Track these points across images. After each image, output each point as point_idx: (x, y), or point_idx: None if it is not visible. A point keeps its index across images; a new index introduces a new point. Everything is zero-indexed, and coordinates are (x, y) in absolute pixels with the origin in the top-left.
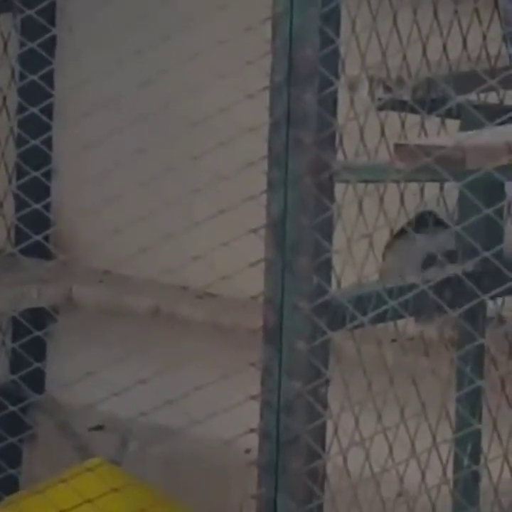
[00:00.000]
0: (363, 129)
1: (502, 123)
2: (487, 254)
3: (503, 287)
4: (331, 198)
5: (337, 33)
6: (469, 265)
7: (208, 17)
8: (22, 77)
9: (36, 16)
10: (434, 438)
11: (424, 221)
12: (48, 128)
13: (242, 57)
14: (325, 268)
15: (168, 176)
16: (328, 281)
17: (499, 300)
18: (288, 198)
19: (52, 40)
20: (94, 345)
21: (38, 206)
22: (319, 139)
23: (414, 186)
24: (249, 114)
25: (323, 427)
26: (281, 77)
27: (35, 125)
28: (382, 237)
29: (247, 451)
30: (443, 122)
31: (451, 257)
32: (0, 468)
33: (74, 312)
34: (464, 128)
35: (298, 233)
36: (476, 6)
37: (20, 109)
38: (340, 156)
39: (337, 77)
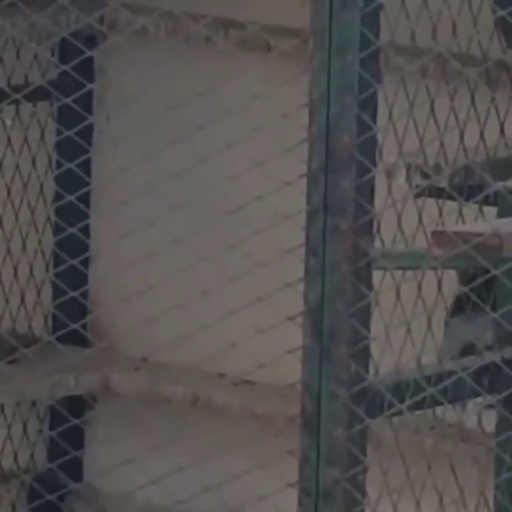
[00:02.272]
0: (401, 216)
1: None
2: None
3: None
4: (369, 285)
5: (374, 120)
6: (507, 352)
7: (243, 105)
8: (59, 165)
9: (73, 104)
10: None
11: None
12: (85, 216)
13: (278, 145)
14: (363, 355)
15: (205, 264)
16: (366, 368)
17: None
18: (325, 286)
19: (90, 128)
20: (132, 432)
21: (75, 294)
22: (356, 226)
23: (452, 273)
24: (286, 201)
25: None
26: (318, 164)
27: (73, 213)
28: (420, 323)
29: None
30: (480, 209)
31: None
32: None
33: (111, 400)
34: (501, 215)
35: (335, 320)
36: None
37: (58, 197)
38: (377, 243)
39: (374, 164)
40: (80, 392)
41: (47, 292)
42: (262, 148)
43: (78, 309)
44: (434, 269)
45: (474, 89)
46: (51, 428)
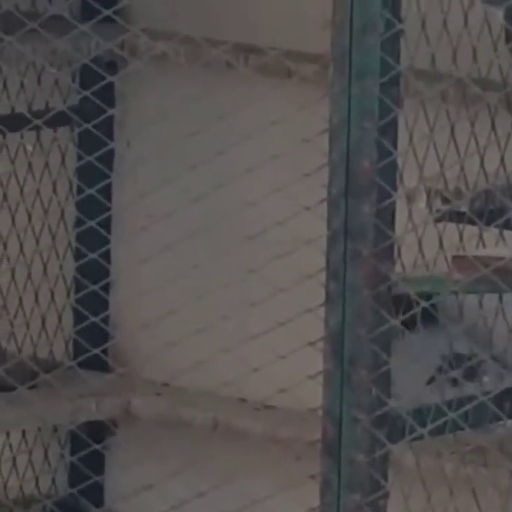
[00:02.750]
0: (421, 241)
1: None
2: None
3: None
4: (390, 309)
5: (394, 145)
6: None
7: (263, 130)
8: (80, 190)
9: (94, 129)
10: None
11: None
12: (106, 241)
13: (298, 170)
14: (384, 380)
15: (225, 289)
16: (387, 393)
17: None
18: (346, 310)
19: (110, 153)
20: (153, 457)
21: (96, 319)
22: (377, 251)
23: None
24: (307, 226)
25: None
26: (339, 189)
27: (94, 238)
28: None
29: None
30: (501, 233)
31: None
32: None
33: (132, 425)
34: None
35: (356, 345)
36: None
37: (79, 222)
38: (398, 267)
39: (395, 189)
40: (100, 418)
41: (68, 317)
42: (282, 173)
43: (99, 334)
44: (455, 293)
45: (494, 114)
46: (72, 453)
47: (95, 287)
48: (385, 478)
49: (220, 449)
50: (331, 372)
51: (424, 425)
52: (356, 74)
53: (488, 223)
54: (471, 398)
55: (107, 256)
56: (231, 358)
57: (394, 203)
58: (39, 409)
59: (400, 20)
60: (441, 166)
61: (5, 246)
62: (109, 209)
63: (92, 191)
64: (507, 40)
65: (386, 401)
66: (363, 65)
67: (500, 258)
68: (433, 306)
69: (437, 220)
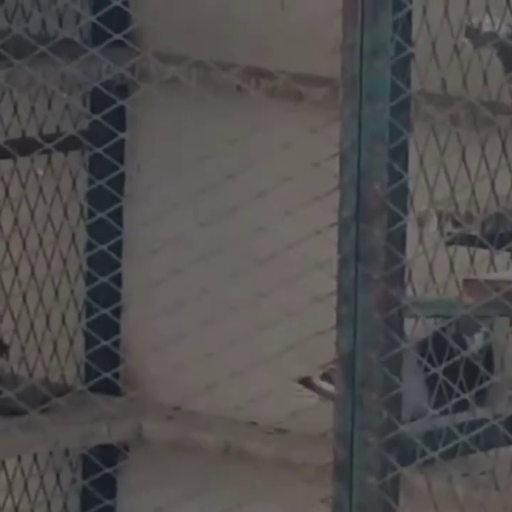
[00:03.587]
0: (432, 264)
1: None
2: None
3: None
4: (401, 333)
5: (405, 168)
6: None
7: (273, 154)
8: (91, 214)
9: (105, 153)
10: None
11: None
12: (117, 265)
13: (309, 194)
14: (395, 403)
15: (236, 313)
16: (398, 416)
17: None
18: (357, 334)
19: (121, 177)
20: (165, 481)
21: (107, 343)
22: (388, 275)
23: None
24: (317, 250)
25: None
26: (350, 212)
27: (105, 262)
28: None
29: None
30: None
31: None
32: None
33: (144, 448)
34: None
35: (367, 368)
36: None
37: (90, 246)
38: (409, 291)
39: (405, 212)
40: (112, 441)
41: (79, 341)
42: (293, 196)
43: (110, 358)
44: (466, 317)
45: (505, 137)
46: (84, 477)
47: (106, 311)
48: (397, 501)
49: (231, 473)
50: (342, 396)
51: (435, 448)
52: (367, 97)
53: (499, 247)
54: (482, 421)
55: (118, 280)
56: (242, 381)
57: (405, 227)
58: (51, 433)
59: (411, 44)
60: (452, 189)
61: (16, 270)
62: (120, 233)
63: (102, 215)
64: (505, 72)
65: (397, 424)
66: (374, 89)
67: (511, 282)
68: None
69: (448, 244)
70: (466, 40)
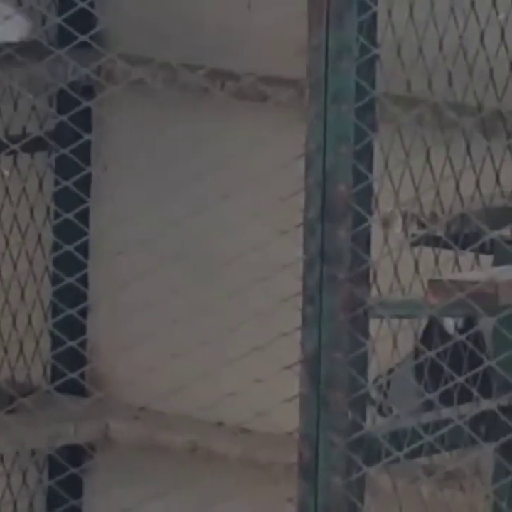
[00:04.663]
0: (397, 265)
1: None
2: None
3: None
4: (366, 333)
5: (370, 170)
6: (504, 400)
7: (240, 155)
8: (57, 215)
9: (71, 154)
10: None
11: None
12: (84, 266)
13: (274, 195)
14: (360, 403)
15: (202, 313)
16: (363, 416)
17: None
18: (322, 334)
19: (87, 178)
20: (131, 481)
21: (73, 344)
22: (353, 275)
23: None
24: (283, 250)
25: None
26: (315, 213)
27: (71, 263)
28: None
29: None
30: (477, 258)
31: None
32: None
33: (110, 449)
34: (497, 263)
35: (333, 369)
36: (509, 143)
37: (56, 247)
38: (374, 291)
39: (370, 213)
40: (78, 442)
41: (45, 342)
42: (259, 197)
43: (76, 359)
44: (431, 317)
45: (470, 139)
46: (50, 477)
47: (72, 311)
48: (362, 501)
49: (198, 473)
50: (307, 396)
51: (400, 448)
52: (332, 98)
53: (463, 247)
54: (447, 421)
55: (84, 280)
56: (208, 382)
57: (370, 228)
58: (17, 434)
59: (376, 45)
60: (417, 190)
61: None
62: (86, 234)
63: (69, 216)
64: None
65: (362, 424)
66: (339, 90)
67: (476, 282)
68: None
69: (413, 244)
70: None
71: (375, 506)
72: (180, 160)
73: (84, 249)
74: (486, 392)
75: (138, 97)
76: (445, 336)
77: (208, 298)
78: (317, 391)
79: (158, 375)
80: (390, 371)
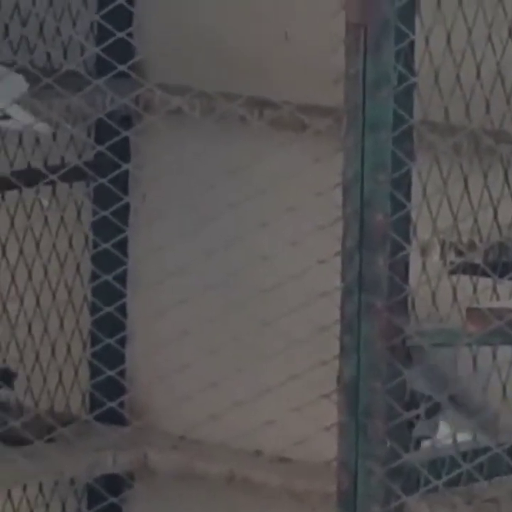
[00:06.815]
0: (435, 293)
1: None
2: None
3: None
4: (404, 362)
5: (408, 198)
6: None
7: (277, 184)
8: (95, 244)
9: (109, 184)
10: None
11: None
12: (122, 295)
13: (312, 223)
14: (398, 432)
15: (240, 342)
16: (402, 444)
17: None
18: (360, 363)
19: (126, 208)
20: (170, 510)
21: (112, 373)
22: (391, 304)
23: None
24: (321, 279)
25: None
26: (353, 242)
27: (109, 292)
28: None
29: None
30: None
31: None
32: None
33: (149, 478)
34: None
35: (371, 397)
36: None
37: (94, 276)
38: (412, 320)
39: (408, 241)
40: (117, 471)
41: (84, 371)
42: (297, 226)
43: (115, 388)
44: (470, 345)
45: (507, 166)
46: (89, 507)
47: (111, 341)
48: None
49: (236, 502)
50: (345, 424)
51: (438, 477)
52: (369, 127)
53: (501, 275)
54: (485, 449)
55: (122, 310)
56: (246, 410)
57: (408, 256)
58: (56, 463)
59: (413, 74)
60: (455, 218)
61: (22, 300)
62: (124, 263)
63: (107, 245)
64: None
65: (401, 453)
66: (376, 118)
67: None
68: None
69: (451, 273)
70: None
71: None
72: (217, 189)
73: (122, 279)
74: None
75: (176, 126)
76: None
77: (245, 326)
78: (356, 419)
79: (196, 404)
80: None
